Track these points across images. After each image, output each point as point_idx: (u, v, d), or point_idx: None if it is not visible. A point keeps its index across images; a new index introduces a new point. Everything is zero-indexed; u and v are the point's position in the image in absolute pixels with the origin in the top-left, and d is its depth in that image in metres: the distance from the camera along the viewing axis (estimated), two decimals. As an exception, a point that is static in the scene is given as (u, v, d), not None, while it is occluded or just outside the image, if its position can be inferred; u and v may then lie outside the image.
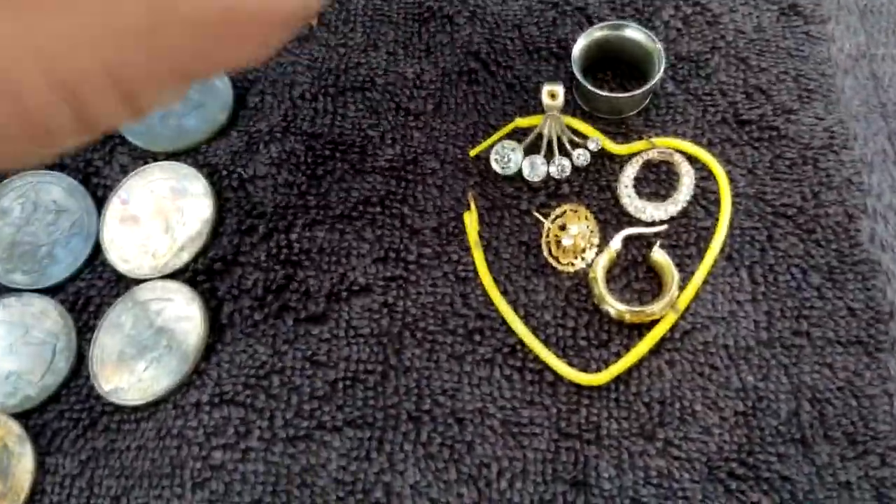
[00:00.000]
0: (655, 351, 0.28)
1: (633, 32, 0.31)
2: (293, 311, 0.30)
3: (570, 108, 0.32)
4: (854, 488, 0.26)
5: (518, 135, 0.32)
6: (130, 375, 0.29)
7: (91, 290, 0.31)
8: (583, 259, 0.30)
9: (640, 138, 0.31)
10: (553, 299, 0.29)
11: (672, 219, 0.30)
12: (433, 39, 0.35)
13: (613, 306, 0.28)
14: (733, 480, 0.26)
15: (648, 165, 0.31)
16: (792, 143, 0.31)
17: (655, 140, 0.31)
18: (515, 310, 0.29)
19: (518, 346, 0.29)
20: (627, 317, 0.28)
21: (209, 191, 0.32)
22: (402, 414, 0.28)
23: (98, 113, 0.18)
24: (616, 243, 0.29)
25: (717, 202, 0.30)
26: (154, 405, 0.29)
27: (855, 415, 0.27)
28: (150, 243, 0.31)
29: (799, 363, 0.28)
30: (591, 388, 0.28)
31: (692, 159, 0.31)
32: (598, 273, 0.29)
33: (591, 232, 0.30)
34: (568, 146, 0.31)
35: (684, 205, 0.30)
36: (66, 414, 0.30)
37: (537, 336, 0.29)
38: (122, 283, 0.31)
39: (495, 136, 0.32)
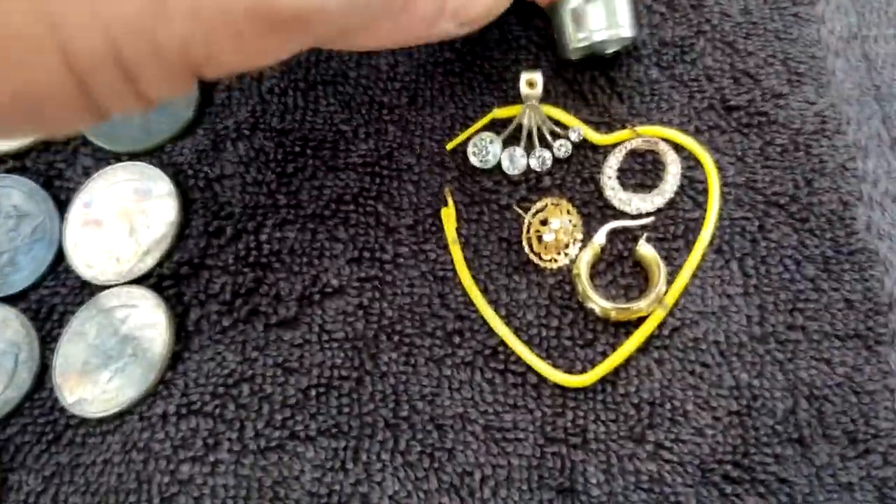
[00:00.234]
0: (643, 349, 0.28)
1: None
2: (263, 316, 0.30)
3: (550, 97, 0.32)
4: (855, 489, 0.26)
5: (497, 126, 0.31)
6: (94, 386, 0.29)
7: (55, 298, 0.31)
8: (566, 255, 0.29)
9: (624, 127, 0.31)
10: (535, 298, 0.29)
11: (658, 210, 0.30)
12: (408, 30, 0.34)
13: (598, 304, 0.28)
14: (728, 484, 0.26)
15: (633, 155, 0.31)
16: (782, 128, 0.31)
17: (640, 128, 0.31)
18: (496, 310, 0.29)
19: (500, 348, 0.28)
20: (613, 314, 0.28)
21: (174, 191, 0.31)
22: (379, 421, 0.28)
23: (104, 94, 0.19)
24: (600, 237, 0.29)
25: (706, 192, 0.30)
26: (119, 417, 0.29)
27: (855, 412, 0.27)
28: (114, 247, 0.31)
29: (795, 359, 0.28)
30: (576, 389, 0.28)
31: (678, 148, 0.30)
32: (582, 269, 0.28)
33: (574, 226, 0.29)
34: (548, 137, 0.31)
35: (671, 196, 0.30)
36: (29, 428, 0.29)
37: (519, 337, 0.28)
38: (87, 290, 0.31)
39: (472, 129, 0.31)
